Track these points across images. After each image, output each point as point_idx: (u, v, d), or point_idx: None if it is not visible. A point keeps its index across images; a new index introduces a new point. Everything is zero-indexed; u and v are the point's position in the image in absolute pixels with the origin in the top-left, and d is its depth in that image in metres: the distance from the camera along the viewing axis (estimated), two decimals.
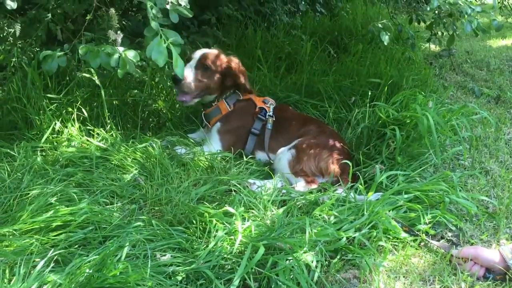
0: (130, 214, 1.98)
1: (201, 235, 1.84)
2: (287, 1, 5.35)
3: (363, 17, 5.46)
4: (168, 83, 3.25)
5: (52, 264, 1.60)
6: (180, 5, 1.83)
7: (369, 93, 3.00)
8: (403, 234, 1.96)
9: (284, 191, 2.30)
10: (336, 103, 3.18)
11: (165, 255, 1.73)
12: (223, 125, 2.75)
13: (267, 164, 2.68)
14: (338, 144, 2.56)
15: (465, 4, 2.81)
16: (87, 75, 2.86)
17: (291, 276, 1.64)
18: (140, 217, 1.94)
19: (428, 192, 2.19)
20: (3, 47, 3.06)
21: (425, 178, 2.40)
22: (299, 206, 2.15)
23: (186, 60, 2.70)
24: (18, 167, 2.23)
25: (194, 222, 1.90)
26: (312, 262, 1.69)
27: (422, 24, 4.31)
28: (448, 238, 2.04)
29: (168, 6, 1.79)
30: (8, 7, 2.07)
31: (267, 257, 1.67)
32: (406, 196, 2.12)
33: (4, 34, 3.03)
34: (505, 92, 3.91)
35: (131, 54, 1.97)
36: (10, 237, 1.75)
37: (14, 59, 2.92)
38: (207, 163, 2.47)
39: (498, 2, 4.73)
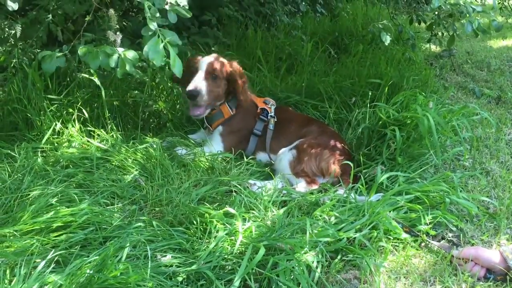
0: (130, 215, 1.98)
1: (201, 236, 1.84)
2: (287, 1, 5.36)
3: (364, 17, 5.46)
4: (169, 84, 3.25)
5: (52, 265, 1.60)
6: (178, 5, 1.83)
7: (370, 94, 3.00)
8: (404, 235, 1.96)
9: (284, 191, 2.30)
10: (337, 104, 3.18)
11: (165, 256, 1.73)
12: (226, 128, 2.75)
13: (268, 164, 2.68)
14: (338, 145, 2.56)
15: (467, 3, 2.81)
16: (88, 76, 2.86)
17: (292, 276, 1.64)
18: (140, 217, 1.94)
19: (429, 193, 2.19)
20: (3, 48, 3.06)
21: (426, 178, 2.40)
22: (299, 207, 2.15)
23: (190, 70, 2.67)
24: (18, 168, 2.23)
25: (195, 222, 1.90)
26: (312, 263, 1.69)
27: (422, 24, 4.31)
28: (449, 238, 2.04)
29: (166, 7, 1.79)
30: (10, 8, 2.08)
31: (268, 257, 1.67)
32: (406, 196, 2.12)
33: (5, 35, 3.03)
34: (506, 93, 3.91)
35: (130, 55, 1.98)
36: (11, 238, 1.75)
37: (14, 60, 2.92)
38: (207, 164, 2.47)
39: (498, 3, 4.73)
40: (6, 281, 1.53)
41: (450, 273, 1.81)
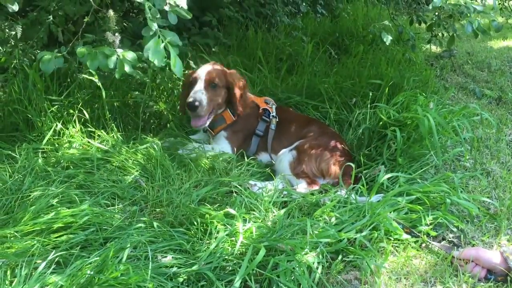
0: (131, 216, 1.98)
1: (202, 237, 1.84)
2: (288, 2, 5.36)
3: (364, 18, 5.46)
4: (169, 85, 3.26)
5: (53, 266, 1.61)
6: (178, 6, 1.83)
7: (370, 94, 3.00)
8: (404, 236, 1.96)
9: (285, 192, 2.30)
10: (337, 104, 3.18)
11: (166, 257, 1.73)
12: (230, 132, 2.73)
13: (268, 165, 2.68)
14: (339, 146, 2.56)
15: (468, 3, 2.80)
16: (88, 77, 2.87)
17: (292, 277, 1.65)
18: (141, 218, 1.94)
19: (429, 194, 2.19)
20: (4, 49, 3.07)
21: (426, 179, 2.40)
22: (300, 208, 2.15)
23: (190, 82, 2.64)
24: (19, 168, 2.23)
25: (195, 223, 1.90)
26: (313, 264, 1.69)
27: (422, 25, 4.31)
28: (449, 239, 2.04)
29: (166, 7, 1.79)
30: (10, 10, 2.08)
31: (268, 258, 1.67)
32: (407, 197, 2.12)
33: (6, 36, 3.03)
34: (506, 93, 3.91)
35: (129, 56, 1.97)
36: (12, 238, 1.75)
37: (15, 61, 2.92)
38: (208, 164, 2.47)
39: (499, 4, 4.72)
40: (7, 282, 1.53)
41: (451, 274, 1.81)
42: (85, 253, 1.71)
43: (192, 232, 1.89)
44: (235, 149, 2.70)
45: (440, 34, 4.27)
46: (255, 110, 2.80)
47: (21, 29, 2.95)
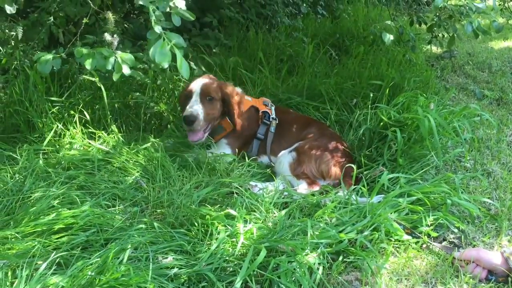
0: (132, 217, 1.99)
1: (203, 238, 1.84)
2: (288, 3, 5.37)
3: (365, 19, 5.46)
4: (170, 86, 3.26)
5: (54, 267, 1.61)
6: (178, 7, 1.83)
7: (371, 95, 3.00)
8: (405, 236, 1.96)
9: (286, 193, 2.30)
10: (338, 105, 3.18)
11: (167, 258, 1.73)
12: (230, 139, 2.70)
13: (269, 166, 2.68)
14: (339, 147, 2.56)
15: (469, 3, 2.80)
16: (89, 78, 2.87)
17: (293, 278, 1.65)
18: (142, 219, 1.94)
19: (430, 194, 2.19)
20: (5, 50, 3.07)
21: (427, 180, 2.40)
22: (301, 209, 2.15)
23: (185, 96, 2.59)
24: (20, 169, 2.23)
25: (196, 224, 1.90)
26: (314, 264, 1.69)
27: (423, 26, 4.31)
28: (450, 240, 2.04)
29: (168, 9, 1.79)
30: (8, 12, 2.08)
31: (269, 259, 1.67)
32: (408, 198, 2.12)
33: (6, 37, 3.04)
34: (507, 94, 3.90)
35: (127, 57, 1.97)
36: (13, 239, 1.75)
37: (16, 62, 2.93)
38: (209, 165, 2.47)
39: (499, 4, 4.72)
40: (8, 283, 1.53)
41: (452, 274, 1.81)
42: (86, 254, 1.72)
43: (193, 233, 1.89)
44: (236, 152, 2.69)
45: (440, 35, 4.27)
46: (255, 114, 2.77)
47: (22, 30, 2.96)
